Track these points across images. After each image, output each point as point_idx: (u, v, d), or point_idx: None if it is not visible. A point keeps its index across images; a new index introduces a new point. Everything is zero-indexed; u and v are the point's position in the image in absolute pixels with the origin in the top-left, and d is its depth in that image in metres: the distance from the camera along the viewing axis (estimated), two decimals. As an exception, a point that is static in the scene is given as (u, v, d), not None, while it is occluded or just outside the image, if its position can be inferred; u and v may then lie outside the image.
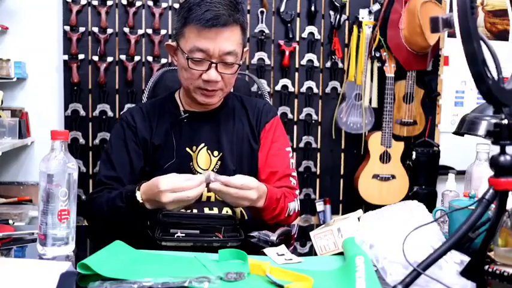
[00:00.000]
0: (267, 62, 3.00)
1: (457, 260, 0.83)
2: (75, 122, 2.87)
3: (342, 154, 3.18)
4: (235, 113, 1.47)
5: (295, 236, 1.27)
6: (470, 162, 1.32)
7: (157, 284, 0.78)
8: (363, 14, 3.00)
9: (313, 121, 3.09)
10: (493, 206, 0.79)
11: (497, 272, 0.85)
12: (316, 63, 3.06)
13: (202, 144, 1.40)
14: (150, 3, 2.88)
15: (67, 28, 2.81)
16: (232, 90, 1.50)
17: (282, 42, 3.01)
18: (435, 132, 3.24)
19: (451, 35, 3.15)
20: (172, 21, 2.90)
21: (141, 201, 1.17)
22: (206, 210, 1.34)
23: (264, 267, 0.86)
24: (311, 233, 1.05)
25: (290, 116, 3.05)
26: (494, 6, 3.31)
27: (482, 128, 1.17)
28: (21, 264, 0.89)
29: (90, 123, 2.90)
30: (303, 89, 3.06)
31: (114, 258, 0.90)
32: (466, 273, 0.81)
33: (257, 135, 1.46)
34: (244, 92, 1.67)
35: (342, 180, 3.19)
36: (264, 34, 2.98)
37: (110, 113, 2.89)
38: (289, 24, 3.00)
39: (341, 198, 3.20)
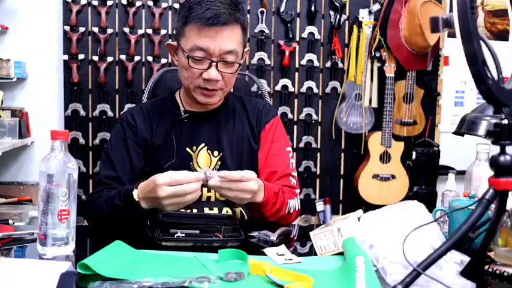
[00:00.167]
0: (267, 62, 3.00)
1: (457, 260, 0.83)
2: (75, 122, 2.87)
3: (342, 154, 3.18)
4: (236, 113, 1.47)
5: (295, 237, 1.27)
6: (470, 162, 1.32)
7: (157, 284, 0.78)
8: (363, 14, 3.01)
9: (313, 121, 3.09)
10: (493, 206, 0.79)
11: (497, 272, 0.85)
12: (316, 63, 3.06)
13: (203, 144, 1.40)
14: (150, 3, 2.88)
15: (67, 28, 2.81)
16: (232, 90, 1.50)
17: (282, 42, 3.01)
18: (435, 132, 3.24)
19: (451, 35, 3.15)
20: (172, 21, 2.90)
21: (137, 199, 1.16)
22: (206, 210, 1.34)
23: (264, 267, 0.86)
24: (311, 233, 1.05)
25: (290, 116, 3.05)
26: (494, 6, 3.31)
27: (482, 128, 1.17)
28: (21, 264, 0.89)
29: (90, 123, 2.90)
30: (303, 89, 3.06)
31: (114, 258, 0.90)
32: (466, 273, 0.81)
33: (257, 135, 1.46)
34: (244, 92, 1.67)
35: (342, 180, 3.19)
36: (264, 34, 2.98)
37: (110, 113, 2.89)
38: (289, 24, 3.00)
39: (341, 198, 3.20)
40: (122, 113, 2.23)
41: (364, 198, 3.01)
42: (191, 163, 1.38)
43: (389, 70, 2.96)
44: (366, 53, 2.99)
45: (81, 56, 2.84)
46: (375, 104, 3.05)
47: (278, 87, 3.03)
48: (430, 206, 1.06)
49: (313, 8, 3.00)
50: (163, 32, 2.89)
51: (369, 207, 2.93)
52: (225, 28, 1.27)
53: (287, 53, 3.00)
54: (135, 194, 1.17)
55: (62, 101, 2.88)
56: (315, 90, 3.07)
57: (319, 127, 3.13)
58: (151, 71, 2.88)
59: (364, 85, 3.01)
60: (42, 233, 0.97)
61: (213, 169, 1.38)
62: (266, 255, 1.01)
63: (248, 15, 2.91)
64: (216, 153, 1.40)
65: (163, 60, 2.89)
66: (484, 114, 1.18)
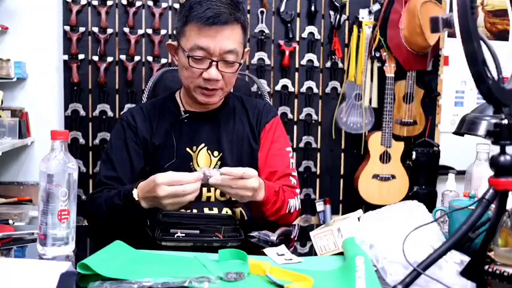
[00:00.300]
0: (267, 62, 3.00)
1: (457, 260, 0.83)
2: (75, 122, 2.87)
3: (342, 154, 3.18)
4: (236, 113, 1.47)
5: (295, 238, 1.27)
6: (470, 162, 1.32)
7: (157, 284, 0.78)
8: (363, 14, 3.01)
9: (313, 121, 3.09)
10: (493, 206, 0.79)
11: (497, 272, 0.85)
12: (316, 63, 3.06)
13: (203, 145, 1.40)
14: (150, 3, 2.88)
15: (67, 28, 2.81)
16: (232, 91, 1.50)
17: (282, 42, 3.01)
18: (435, 132, 3.24)
19: (451, 35, 3.15)
20: (172, 21, 2.90)
21: (136, 199, 1.16)
22: (206, 210, 1.34)
23: (264, 267, 0.86)
24: (311, 233, 1.05)
25: (290, 116, 3.05)
26: (494, 6, 3.31)
27: (482, 128, 1.17)
28: (21, 264, 0.89)
29: (90, 123, 2.90)
30: (303, 89, 3.06)
31: (114, 258, 0.90)
32: (466, 273, 0.81)
33: (257, 135, 1.46)
34: (244, 92, 1.67)
35: (342, 180, 3.19)
36: (264, 34, 2.98)
37: (110, 113, 2.89)
38: (289, 24, 3.00)
39: (341, 198, 3.20)
40: (122, 113, 2.23)
41: (364, 198, 3.01)
42: (191, 163, 1.38)
43: (389, 70, 2.96)
44: (366, 53, 2.99)
45: (81, 56, 2.84)
46: (375, 104, 3.05)
47: (278, 87, 3.03)
48: (430, 206, 1.06)
49: (313, 8, 3.00)
50: (163, 32, 2.89)
51: (369, 207, 2.93)
52: (225, 27, 1.27)
53: (287, 53, 3.00)
54: (135, 193, 1.17)
55: (62, 101, 2.88)
56: (315, 90, 3.07)
57: (319, 127, 3.13)
58: (151, 71, 2.88)
59: (364, 85, 3.01)
60: (42, 233, 0.97)
61: (213, 168, 1.38)
62: (266, 255, 1.01)
63: (248, 15, 2.91)
64: (216, 153, 1.40)
65: (163, 60, 2.89)
66: (484, 114, 1.18)
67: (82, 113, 2.87)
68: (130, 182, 1.32)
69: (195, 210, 1.33)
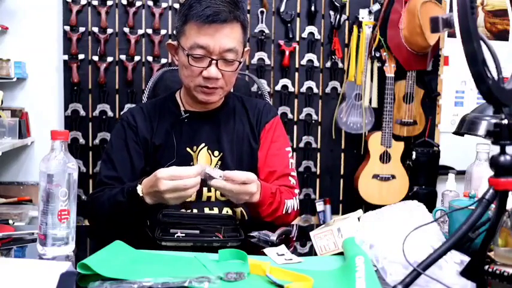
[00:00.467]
0: (267, 62, 3.00)
1: (457, 260, 0.83)
2: (75, 122, 2.87)
3: (342, 154, 3.18)
4: (236, 113, 1.47)
5: (294, 238, 1.27)
6: (470, 162, 1.32)
7: (157, 284, 0.78)
8: (363, 14, 3.01)
9: (313, 121, 3.09)
10: (493, 206, 0.79)
11: (497, 272, 0.85)
12: (316, 63, 3.06)
13: (203, 144, 1.40)
14: (150, 3, 2.88)
15: (67, 28, 2.81)
16: (232, 91, 1.50)
17: (282, 42, 3.01)
18: (435, 132, 3.24)
19: (451, 35, 3.15)
20: (172, 21, 2.90)
21: (141, 194, 1.17)
22: (206, 210, 1.34)
23: (264, 267, 0.86)
24: (311, 233, 1.05)
25: (290, 116, 3.05)
26: (494, 6, 3.31)
27: (482, 128, 1.16)
28: (21, 264, 0.89)
29: (90, 123, 2.90)
30: (303, 89, 3.06)
31: (114, 258, 0.90)
32: (466, 273, 0.81)
33: (257, 135, 1.46)
34: (244, 92, 1.67)
35: (342, 180, 3.19)
36: (264, 34, 2.98)
37: (110, 113, 2.89)
38: (289, 24, 3.00)
39: (341, 198, 3.20)
40: (122, 113, 2.22)
41: (364, 198, 3.01)
42: (191, 163, 1.38)
43: (389, 70, 2.96)
44: (366, 53, 2.99)
45: (81, 56, 2.84)
46: (375, 104, 3.05)
47: (278, 87, 3.03)
48: (430, 206, 1.06)
49: (313, 8, 3.00)
50: (163, 32, 2.89)
51: (369, 207, 2.93)
52: (225, 26, 1.27)
53: (287, 53, 3.00)
54: (139, 189, 1.17)
55: (62, 101, 2.88)
56: (315, 90, 3.07)
57: (319, 127, 3.13)
58: (151, 71, 2.88)
59: (364, 85, 3.01)
60: (42, 233, 0.97)
61: (213, 168, 1.38)
62: (266, 255, 1.01)
63: (248, 15, 2.91)
64: (216, 153, 1.40)
65: (163, 60, 2.89)
66: (484, 114, 1.18)
67: (82, 113, 2.87)
68: (131, 182, 1.32)
69: (195, 210, 1.33)
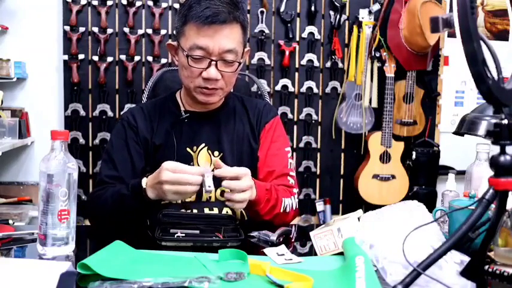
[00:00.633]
0: (267, 62, 3.00)
1: (457, 260, 0.83)
2: (75, 122, 2.87)
3: (342, 154, 3.18)
4: (236, 113, 1.47)
5: (294, 239, 1.27)
6: (470, 162, 1.32)
7: (157, 284, 0.78)
8: (363, 14, 3.01)
9: (313, 121, 3.09)
10: (493, 206, 0.79)
11: (497, 272, 0.85)
12: (316, 63, 3.06)
13: (203, 145, 1.40)
14: (150, 3, 2.88)
15: (67, 28, 2.81)
16: (232, 91, 1.50)
17: (282, 42, 3.01)
18: (435, 132, 3.24)
19: (451, 35, 3.15)
20: (172, 21, 2.90)
21: (144, 186, 1.18)
22: (206, 211, 1.34)
23: (264, 267, 0.86)
24: (311, 233, 1.05)
25: (290, 116, 3.05)
26: (494, 6, 3.31)
27: (482, 128, 1.17)
28: (21, 264, 0.89)
29: (90, 123, 2.90)
30: (303, 89, 3.06)
31: (114, 258, 0.90)
32: (466, 273, 0.81)
33: (257, 135, 1.46)
34: (244, 92, 1.67)
35: (342, 180, 3.19)
36: (264, 34, 2.98)
37: (110, 113, 2.89)
38: (289, 24, 3.00)
39: (341, 198, 3.20)
40: (122, 113, 2.23)
41: (364, 198, 3.01)
42: (191, 163, 1.38)
43: (390, 70, 2.96)
44: (366, 53, 2.99)
45: (81, 56, 2.84)
46: (375, 104, 3.05)
47: (278, 87, 3.03)
48: (430, 206, 1.06)
49: (313, 8, 3.00)
50: (163, 32, 2.89)
51: (369, 207, 2.93)
52: (224, 27, 1.27)
53: (287, 53, 3.00)
54: (144, 181, 1.19)
55: (62, 101, 2.88)
56: (315, 90, 3.07)
57: (319, 127, 3.13)
58: (151, 71, 2.88)
59: (364, 85, 3.01)
60: (42, 233, 0.97)
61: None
62: (266, 255, 1.01)
63: (248, 15, 2.91)
64: (216, 153, 1.40)
65: (163, 60, 2.89)
66: (484, 114, 1.18)
67: (82, 113, 2.87)
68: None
69: (195, 210, 1.33)
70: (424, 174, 3.08)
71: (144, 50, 2.90)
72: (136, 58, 2.88)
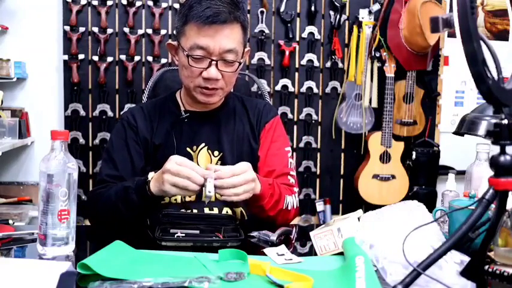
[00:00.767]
0: (267, 62, 3.01)
1: (457, 260, 0.83)
2: (75, 122, 2.87)
3: (342, 154, 3.18)
4: (236, 113, 1.47)
5: (295, 239, 1.27)
6: (470, 162, 1.32)
7: (157, 284, 0.78)
8: (363, 14, 3.01)
9: (313, 121, 3.09)
10: (493, 206, 0.79)
11: (497, 272, 0.85)
12: (316, 63, 3.06)
13: (203, 144, 1.40)
14: (150, 3, 2.88)
15: (67, 28, 2.81)
16: (232, 91, 1.50)
17: (282, 42, 3.01)
18: (435, 132, 3.24)
19: (451, 35, 3.15)
20: (172, 21, 2.90)
21: (149, 178, 1.19)
22: (206, 210, 1.34)
23: (264, 267, 0.86)
24: (311, 233, 1.05)
25: (290, 116, 3.05)
26: (494, 6, 3.31)
27: (482, 128, 1.16)
28: (21, 264, 0.89)
29: (90, 123, 2.90)
30: (303, 89, 3.06)
31: (114, 258, 0.90)
32: (466, 273, 0.81)
33: (257, 134, 1.46)
34: (244, 92, 1.67)
35: (342, 180, 3.19)
36: (264, 34, 2.98)
37: (110, 113, 2.89)
38: (289, 24, 3.00)
39: (341, 198, 3.20)
40: (122, 112, 2.23)
41: (364, 198, 3.01)
42: (191, 163, 1.38)
43: (390, 70, 2.96)
44: (366, 53, 2.99)
45: (81, 56, 2.84)
46: (375, 104, 3.05)
47: (278, 87, 3.03)
48: (430, 206, 1.05)
49: (313, 8, 3.00)
50: (163, 32, 2.89)
51: (369, 207, 2.93)
52: (225, 26, 1.27)
53: (287, 53, 3.00)
54: (151, 174, 1.20)
55: (62, 101, 2.88)
56: (315, 90, 3.07)
57: (319, 127, 3.13)
58: (151, 71, 2.88)
59: (364, 85, 3.01)
60: (42, 233, 0.97)
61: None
62: (266, 255, 1.01)
63: (248, 15, 2.91)
64: (216, 153, 1.40)
65: (163, 60, 2.89)
66: (484, 114, 1.18)
67: (82, 113, 2.87)
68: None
69: (195, 210, 1.33)
70: (424, 174, 3.08)
71: (144, 50, 2.90)
72: (136, 58, 2.88)
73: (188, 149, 1.39)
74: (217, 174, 1.13)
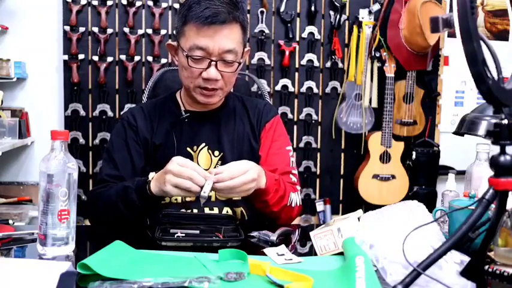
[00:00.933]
0: (267, 62, 3.00)
1: (457, 260, 0.83)
2: (75, 122, 2.87)
3: (342, 154, 3.18)
4: (236, 113, 1.47)
5: (297, 240, 1.27)
6: (470, 162, 1.32)
7: (157, 284, 0.78)
8: (363, 14, 3.01)
9: (313, 121, 3.09)
10: (493, 206, 0.79)
11: (497, 272, 0.85)
12: (316, 63, 3.06)
13: (203, 144, 1.40)
14: (150, 3, 2.88)
15: (67, 28, 2.81)
16: (232, 91, 1.50)
17: (282, 42, 3.01)
18: (435, 132, 3.24)
19: (451, 35, 3.15)
20: (172, 21, 2.90)
21: (150, 178, 1.19)
22: (206, 210, 1.34)
23: (264, 267, 0.86)
24: (311, 233, 1.05)
25: (290, 116, 3.05)
26: (494, 6, 3.31)
27: (482, 128, 1.16)
28: (21, 264, 0.89)
29: (90, 123, 2.90)
30: (303, 89, 3.06)
31: (114, 258, 0.90)
32: (466, 273, 0.81)
33: (257, 134, 1.46)
34: (244, 92, 1.67)
35: (342, 180, 3.19)
36: (264, 34, 2.98)
37: (110, 113, 2.89)
38: (289, 24, 3.00)
39: (341, 198, 3.20)
40: (122, 112, 2.23)
41: (364, 198, 3.01)
42: (191, 163, 1.38)
43: (390, 70, 2.96)
44: (366, 53, 2.99)
45: (81, 56, 2.84)
46: (375, 104, 3.05)
47: (278, 87, 3.03)
48: (430, 206, 1.05)
49: (313, 8, 3.00)
50: (163, 32, 2.89)
51: (369, 207, 2.93)
52: (224, 27, 1.27)
53: (287, 53, 3.00)
54: (151, 174, 1.20)
55: (62, 101, 2.88)
56: (315, 90, 3.07)
57: (319, 127, 3.13)
58: (151, 71, 2.88)
59: (364, 85, 3.01)
60: (42, 233, 0.97)
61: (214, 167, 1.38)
62: (266, 255, 1.01)
63: (248, 15, 2.91)
64: (216, 152, 1.40)
65: (163, 60, 2.89)
66: (484, 114, 1.18)
67: (82, 113, 2.87)
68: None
69: (195, 210, 1.33)
70: (424, 174, 3.08)
71: (144, 50, 2.90)
72: (137, 58, 2.88)
73: (188, 149, 1.39)
74: (216, 177, 1.14)
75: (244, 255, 0.92)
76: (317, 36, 3.04)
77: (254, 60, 2.99)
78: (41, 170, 0.97)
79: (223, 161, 1.39)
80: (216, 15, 1.25)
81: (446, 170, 3.07)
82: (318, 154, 3.14)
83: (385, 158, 3.00)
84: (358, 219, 1.03)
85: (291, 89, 3.05)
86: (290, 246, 1.11)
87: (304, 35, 3.04)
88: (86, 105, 2.88)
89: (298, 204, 1.38)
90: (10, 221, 1.28)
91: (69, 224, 0.98)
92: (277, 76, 3.04)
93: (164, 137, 1.40)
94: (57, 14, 2.85)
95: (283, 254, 1.01)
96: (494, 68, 0.77)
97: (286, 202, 1.32)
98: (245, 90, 1.72)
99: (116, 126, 1.46)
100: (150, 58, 2.89)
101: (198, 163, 1.38)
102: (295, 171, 1.46)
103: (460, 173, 1.54)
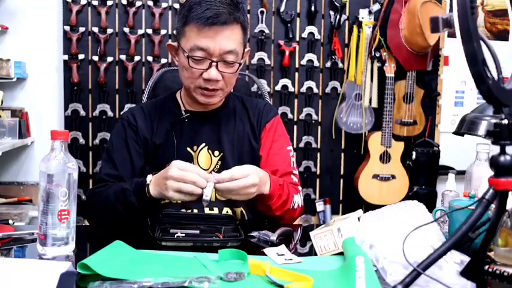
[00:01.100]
0: (267, 62, 3.00)
1: (457, 260, 0.83)
2: (75, 122, 2.87)
3: (342, 154, 3.18)
4: (236, 113, 1.47)
5: (298, 240, 1.27)
6: (470, 162, 1.32)
7: (157, 284, 0.78)
8: (363, 14, 3.01)
9: (313, 121, 3.09)
10: (493, 206, 0.79)
11: (497, 272, 0.85)
12: (316, 63, 3.06)
13: (203, 144, 1.40)
14: (150, 3, 2.88)
15: (67, 28, 2.81)
16: (232, 91, 1.50)
17: (282, 42, 3.01)
18: (435, 132, 3.24)
19: (451, 35, 3.15)
20: (172, 21, 2.90)
21: (148, 182, 1.18)
22: (206, 210, 1.34)
23: (264, 267, 0.86)
24: (311, 233, 1.05)
25: (290, 116, 3.05)
26: (494, 6, 3.31)
27: (482, 128, 1.16)
28: (21, 264, 0.89)
29: (90, 123, 2.90)
30: (303, 89, 3.06)
31: (114, 258, 0.90)
32: (466, 273, 0.81)
33: (258, 134, 1.46)
34: (244, 92, 1.67)
35: (342, 180, 3.19)
36: (264, 34, 2.98)
37: (110, 113, 2.89)
38: (289, 24, 3.00)
39: (341, 198, 3.20)
40: (122, 112, 2.23)
41: (364, 198, 3.01)
42: (192, 163, 1.38)
43: (390, 70, 2.96)
44: (366, 53, 2.99)
45: (81, 56, 2.84)
46: (375, 104, 3.05)
47: (278, 87, 3.03)
48: (430, 206, 1.06)
49: (313, 8, 3.00)
50: (163, 32, 2.89)
51: (369, 207, 2.93)
52: (225, 28, 1.27)
53: (287, 53, 3.00)
54: (149, 177, 1.20)
55: (62, 101, 2.88)
56: (315, 90, 3.07)
57: (319, 127, 3.13)
58: (151, 71, 2.88)
59: (364, 85, 3.01)
60: (42, 233, 0.97)
61: (213, 169, 1.38)
62: (266, 255, 1.01)
63: (248, 15, 2.91)
64: (216, 153, 1.40)
65: (163, 60, 2.89)
66: (484, 114, 1.18)
67: (82, 113, 2.87)
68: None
69: (195, 210, 1.33)
70: (424, 174, 3.08)
71: (144, 50, 2.90)
72: (137, 58, 2.88)
73: (188, 149, 1.39)
74: (216, 178, 1.14)
75: (244, 255, 0.92)
76: (317, 36, 3.04)
77: (254, 60, 2.99)
78: (41, 170, 0.97)
79: (223, 161, 1.39)
80: (217, 16, 1.25)
81: (446, 170, 3.07)
82: (318, 154, 3.14)
83: (385, 158, 3.00)
84: (358, 219, 1.03)
85: (291, 89, 3.04)
86: (290, 246, 1.11)
87: (304, 35, 3.04)
88: (86, 105, 2.88)
89: (300, 205, 1.39)
90: (10, 221, 1.28)
91: (69, 224, 0.98)
92: (277, 76, 3.04)
93: (164, 137, 1.40)
94: (57, 14, 2.85)
95: (283, 254, 1.01)
96: (494, 68, 0.77)
97: (289, 206, 1.33)
98: (245, 90, 1.72)
99: (116, 126, 1.46)
100: (150, 58, 2.89)
101: (198, 163, 1.38)
102: (296, 172, 1.46)
103: (460, 173, 1.54)
